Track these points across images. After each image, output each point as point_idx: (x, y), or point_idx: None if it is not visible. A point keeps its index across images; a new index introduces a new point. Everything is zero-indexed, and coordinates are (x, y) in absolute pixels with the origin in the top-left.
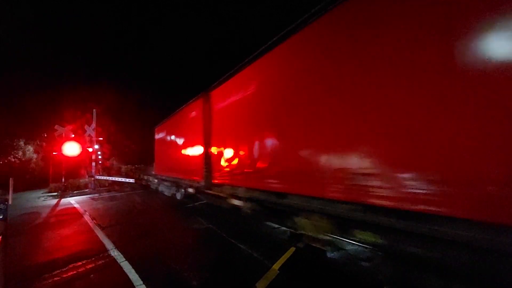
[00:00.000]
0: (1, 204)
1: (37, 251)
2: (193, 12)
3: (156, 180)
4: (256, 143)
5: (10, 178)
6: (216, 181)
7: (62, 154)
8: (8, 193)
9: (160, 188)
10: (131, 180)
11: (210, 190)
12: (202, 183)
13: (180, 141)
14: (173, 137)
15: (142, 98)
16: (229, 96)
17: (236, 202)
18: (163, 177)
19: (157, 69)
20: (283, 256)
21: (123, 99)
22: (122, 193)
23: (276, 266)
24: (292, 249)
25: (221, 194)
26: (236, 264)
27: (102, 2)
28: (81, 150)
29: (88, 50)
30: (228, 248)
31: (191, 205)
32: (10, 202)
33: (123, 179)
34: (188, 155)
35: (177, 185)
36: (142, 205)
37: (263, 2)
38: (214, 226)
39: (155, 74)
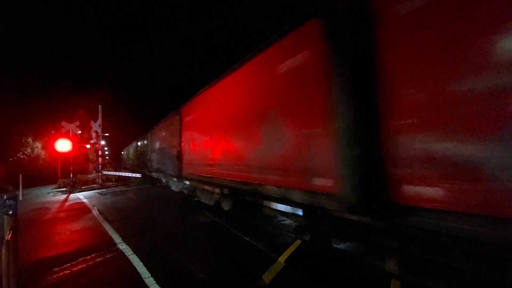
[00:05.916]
0: (11, 200)
1: (47, 245)
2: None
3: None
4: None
5: (20, 175)
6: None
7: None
8: (18, 189)
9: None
10: (138, 175)
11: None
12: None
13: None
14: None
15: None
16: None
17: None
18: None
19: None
20: (288, 249)
21: (128, 96)
22: (129, 188)
23: (282, 258)
24: (298, 241)
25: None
26: (243, 257)
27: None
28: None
29: (95, 50)
30: (234, 242)
31: (196, 199)
32: (20, 197)
33: (130, 174)
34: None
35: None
36: (149, 199)
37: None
38: (220, 219)
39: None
